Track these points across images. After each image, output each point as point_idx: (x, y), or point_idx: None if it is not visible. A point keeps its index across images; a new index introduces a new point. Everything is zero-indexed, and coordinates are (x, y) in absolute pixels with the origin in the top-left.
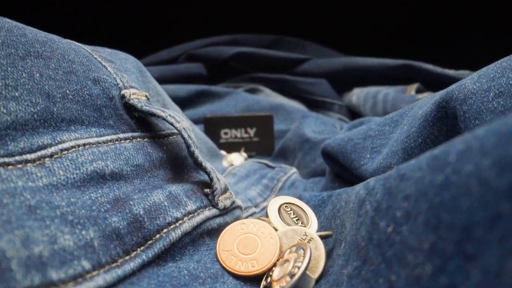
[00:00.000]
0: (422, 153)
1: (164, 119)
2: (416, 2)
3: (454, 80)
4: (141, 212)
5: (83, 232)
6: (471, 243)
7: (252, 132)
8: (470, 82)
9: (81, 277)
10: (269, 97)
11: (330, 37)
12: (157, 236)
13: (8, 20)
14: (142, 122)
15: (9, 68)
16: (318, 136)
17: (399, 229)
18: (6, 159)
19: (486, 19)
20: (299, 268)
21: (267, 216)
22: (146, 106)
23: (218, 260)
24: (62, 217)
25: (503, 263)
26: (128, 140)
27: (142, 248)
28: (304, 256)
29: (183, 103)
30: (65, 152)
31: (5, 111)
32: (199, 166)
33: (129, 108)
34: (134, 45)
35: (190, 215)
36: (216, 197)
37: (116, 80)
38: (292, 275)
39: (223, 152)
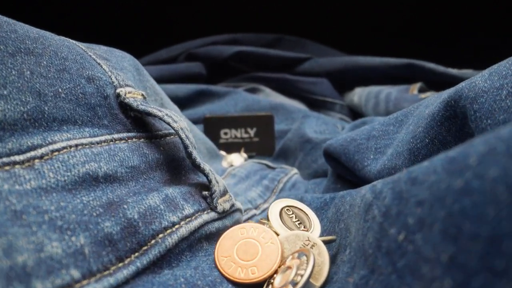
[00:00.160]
0: (430, 154)
1: (160, 118)
2: (417, 1)
3: (457, 79)
4: (136, 216)
5: (73, 238)
6: (500, 258)
7: (252, 132)
8: (480, 79)
9: (70, 287)
10: (269, 97)
11: (331, 36)
12: (153, 241)
13: None
14: (138, 122)
15: None
16: (319, 136)
17: (411, 237)
18: None
19: (486, 19)
20: (302, 276)
21: (267, 219)
22: (142, 105)
23: (216, 267)
24: (51, 222)
25: None
26: (123, 141)
27: (136, 254)
28: (307, 264)
29: (183, 102)
30: (56, 153)
31: None
32: (197, 167)
33: (125, 107)
34: (134, 44)
35: (187, 219)
36: (214, 200)
37: (111, 78)
38: (294, 284)
39: (222, 153)
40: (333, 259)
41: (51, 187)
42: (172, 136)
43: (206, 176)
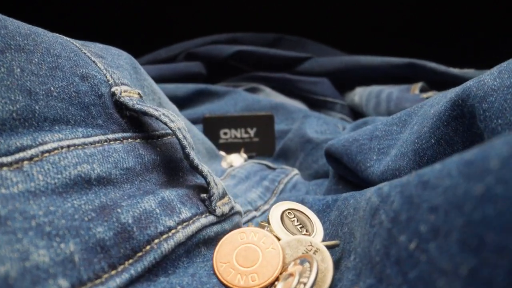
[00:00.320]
0: (436, 154)
1: (157, 118)
2: (417, 1)
3: (459, 78)
4: (130, 221)
5: (62, 245)
6: None
7: (252, 132)
8: (489, 78)
9: None
10: (269, 97)
11: (331, 36)
12: (148, 247)
13: None
14: (134, 121)
15: None
16: (320, 137)
17: (424, 246)
18: None
19: (486, 18)
20: (305, 284)
21: (268, 222)
22: (138, 104)
23: (215, 273)
24: (38, 228)
25: None
26: (118, 141)
27: (130, 261)
28: (310, 271)
29: (182, 102)
30: (47, 154)
31: None
32: (195, 169)
33: (120, 106)
34: (134, 44)
35: (184, 224)
36: (213, 203)
37: (106, 77)
38: None
39: (222, 153)
40: (336, 265)
41: (40, 190)
42: (169, 137)
43: (205, 178)
